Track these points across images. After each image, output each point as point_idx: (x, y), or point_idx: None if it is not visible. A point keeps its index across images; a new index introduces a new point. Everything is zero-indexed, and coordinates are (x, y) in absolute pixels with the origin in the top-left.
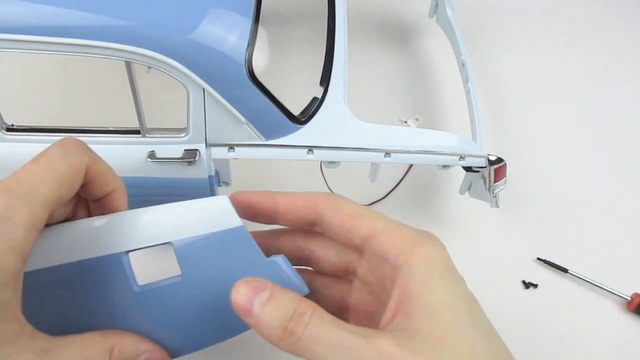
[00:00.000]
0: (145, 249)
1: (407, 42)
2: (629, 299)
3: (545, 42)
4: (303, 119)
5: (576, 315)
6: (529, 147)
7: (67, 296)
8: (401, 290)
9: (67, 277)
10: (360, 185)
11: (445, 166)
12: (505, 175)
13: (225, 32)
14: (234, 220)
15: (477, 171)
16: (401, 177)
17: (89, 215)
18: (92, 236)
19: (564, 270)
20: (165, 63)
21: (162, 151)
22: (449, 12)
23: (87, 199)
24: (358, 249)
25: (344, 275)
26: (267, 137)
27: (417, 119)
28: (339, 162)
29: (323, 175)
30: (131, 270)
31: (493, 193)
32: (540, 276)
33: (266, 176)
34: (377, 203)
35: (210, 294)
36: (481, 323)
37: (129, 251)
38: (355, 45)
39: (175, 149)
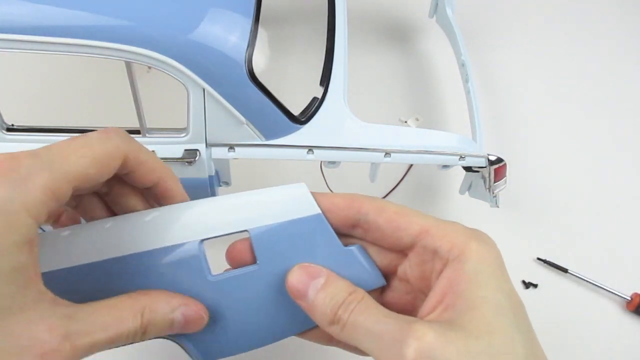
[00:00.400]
0: (219, 238)
1: (407, 42)
2: (629, 299)
3: (545, 42)
4: (303, 119)
5: (576, 315)
6: (529, 147)
7: (135, 287)
8: (447, 283)
9: (138, 267)
10: (360, 185)
11: (445, 166)
12: (505, 175)
13: (225, 32)
14: (313, 207)
15: (477, 171)
16: (401, 177)
17: (144, 207)
18: (164, 225)
19: (564, 270)
20: (165, 63)
21: (162, 151)
22: (449, 12)
23: (141, 190)
24: (402, 248)
25: (383, 271)
26: (267, 137)
27: (417, 119)
28: (339, 162)
29: (323, 175)
30: (206, 259)
31: (493, 193)
32: (540, 276)
33: (266, 176)
34: (203, 241)
35: (284, 284)
36: (523, 324)
37: (203, 239)
38: (355, 45)
39: (175, 149)
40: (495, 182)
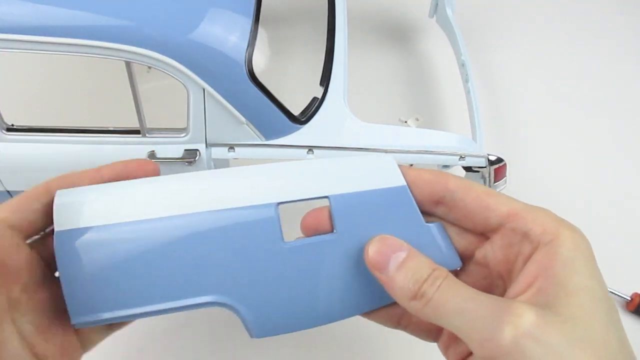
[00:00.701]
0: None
1: (407, 42)
2: (629, 299)
3: (545, 42)
4: (303, 119)
5: None
6: (529, 147)
7: (197, 248)
8: (539, 268)
9: (201, 227)
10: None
11: (445, 166)
12: (505, 175)
13: (225, 32)
14: (398, 179)
15: (477, 171)
16: None
17: None
18: (236, 184)
19: None
20: (165, 63)
21: (162, 151)
22: (449, 12)
23: None
24: (486, 230)
25: (460, 255)
26: (267, 137)
27: (417, 119)
28: None
29: None
30: (280, 223)
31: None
32: None
33: None
34: (280, 204)
35: (361, 255)
36: (615, 316)
37: (281, 203)
38: (355, 45)
39: (175, 149)
40: (495, 182)
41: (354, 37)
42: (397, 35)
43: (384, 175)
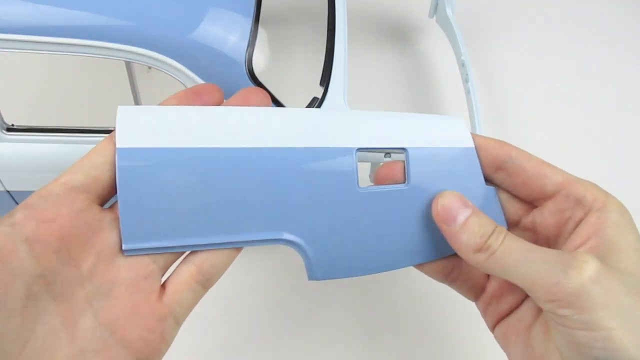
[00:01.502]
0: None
1: (407, 42)
2: None
3: (545, 42)
4: None
5: None
6: (529, 147)
7: (270, 183)
8: (592, 229)
9: (276, 163)
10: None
11: None
12: None
13: (225, 32)
14: (468, 140)
15: None
16: None
17: None
18: (315, 124)
19: None
20: (165, 63)
21: None
22: (449, 12)
23: None
24: (540, 196)
25: (509, 219)
26: None
27: None
28: None
29: None
30: (357, 169)
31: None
32: None
33: None
34: (358, 150)
35: (427, 208)
36: None
37: (360, 149)
38: (355, 45)
39: None
40: None
41: (354, 37)
42: (397, 35)
43: (456, 135)
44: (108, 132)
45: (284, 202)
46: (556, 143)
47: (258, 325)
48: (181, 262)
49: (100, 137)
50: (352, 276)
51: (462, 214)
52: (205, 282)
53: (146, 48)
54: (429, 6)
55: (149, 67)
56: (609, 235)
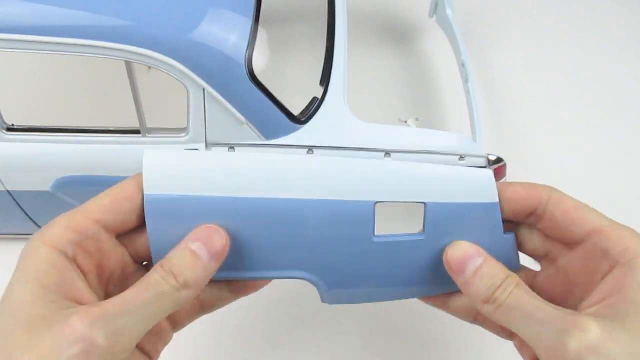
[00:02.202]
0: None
1: (407, 42)
2: None
3: (545, 42)
4: (303, 119)
5: None
6: (529, 147)
7: (291, 229)
8: (615, 285)
9: (293, 213)
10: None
11: None
12: (505, 175)
13: (225, 32)
14: (493, 196)
15: None
16: None
17: None
18: (336, 176)
19: None
20: (165, 63)
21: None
22: (449, 12)
23: None
24: (570, 242)
25: (539, 258)
26: (267, 137)
27: (417, 119)
28: None
29: None
30: (375, 220)
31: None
32: None
33: None
34: (377, 203)
35: (440, 253)
36: None
37: (378, 202)
38: (355, 45)
39: (175, 149)
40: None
41: (354, 37)
42: (397, 35)
43: (480, 189)
44: (108, 132)
45: (304, 247)
46: (556, 143)
47: (258, 326)
48: None
49: (100, 137)
50: (360, 303)
51: (472, 265)
52: (207, 310)
53: (146, 48)
54: (429, 6)
55: (149, 67)
56: (630, 293)
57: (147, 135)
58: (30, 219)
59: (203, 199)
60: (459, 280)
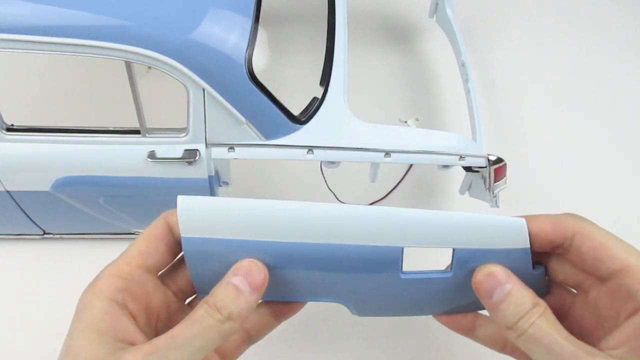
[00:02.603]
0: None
1: (407, 42)
2: None
3: (545, 42)
4: (303, 119)
5: None
6: (529, 147)
7: (325, 269)
8: (636, 329)
9: (329, 256)
10: (360, 185)
11: (445, 166)
12: (505, 175)
13: (225, 32)
14: (525, 242)
15: (477, 171)
16: (401, 177)
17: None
18: (369, 224)
19: None
20: (165, 63)
21: (162, 151)
22: (449, 12)
23: None
24: (596, 277)
25: (572, 287)
26: (267, 137)
27: (417, 119)
28: (339, 162)
29: (323, 175)
30: (402, 260)
31: (493, 193)
32: None
33: (266, 176)
34: (377, 203)
35: (467, 286)
36: None
37: (406, 247)
38: (355, 45)
39: (175, 149)
40: (495, 182)
41: (354, 37)
42: (397, 35)
43: (512, 236)
44: (108, 132)
45: (338, 281)
46: (556, 143)
47: None
48: None
49: (100, 137)
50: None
51: (500, 291)
52: (253, 340)
53: (146, 48)
54: (429, 6)
55: (149, 67)
56: None
57: (147, 135)
58: (30, 219)
59: (228, 240)
60: (486, 302)
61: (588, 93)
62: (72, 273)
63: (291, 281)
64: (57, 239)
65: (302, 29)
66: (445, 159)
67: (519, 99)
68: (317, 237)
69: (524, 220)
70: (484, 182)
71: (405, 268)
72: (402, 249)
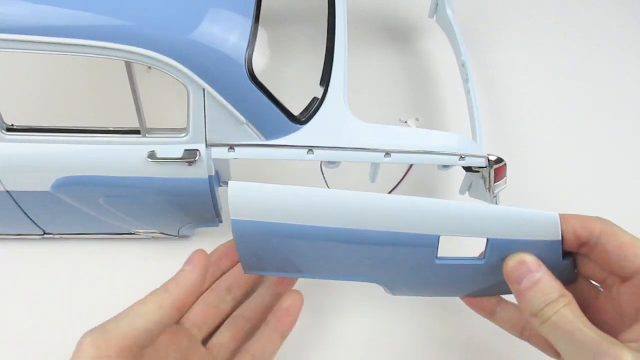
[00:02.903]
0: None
1: (407, 42)
2: None
3: (545, 42)
4: (303, 119)
5: None
6: (529, 147)
7: (366, 252)
8: None
9: (373, 241)
10: (360, 185)
11: (445, 166)
12: (505, 175)
13: (225, 32)
14: (557, 235)
15: (477, 171)
16: (401, 177)
17: None
18: (410, 213)
19: None
20: (165, 63)
21: (162, 151)
22: (449, 12)
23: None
24: (620, 275)
25: (598, 282)
26: (267, 137)
27: (417, 119)
28: (339, 162)
29: (323, 175)
30: (438, 247)
31: (493, 193)
32: None
33: (266, 176)
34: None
35: (498, 272)
36: None
37: (442, 235)
38: (355, 45)
39: (175, 149)
40: (495, 182)
41: (354, 37)
42: (397, 35)
43: (545, 230)
44: (108, 132)
45: (378, 263)
46: (556, 143)
47: None
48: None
49: (100, 137)
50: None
51: (529, 278)
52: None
53: (146, 48)
54: (429, 6)
55: (149, 67)
56: None
57: (147, 135)
58: (30, 219)
59: (274, 224)
60: (514, 288)
61: (588, 93)
62: (72, 273)
63: (332, 262)
64: (57, 239)
65: (302, 29)
66: (445, 159)
67: (519, 99)
68: (360, 223)
69: (557, 214)
70: (484, 182)
71: (439, 254)
72: (439, 237)
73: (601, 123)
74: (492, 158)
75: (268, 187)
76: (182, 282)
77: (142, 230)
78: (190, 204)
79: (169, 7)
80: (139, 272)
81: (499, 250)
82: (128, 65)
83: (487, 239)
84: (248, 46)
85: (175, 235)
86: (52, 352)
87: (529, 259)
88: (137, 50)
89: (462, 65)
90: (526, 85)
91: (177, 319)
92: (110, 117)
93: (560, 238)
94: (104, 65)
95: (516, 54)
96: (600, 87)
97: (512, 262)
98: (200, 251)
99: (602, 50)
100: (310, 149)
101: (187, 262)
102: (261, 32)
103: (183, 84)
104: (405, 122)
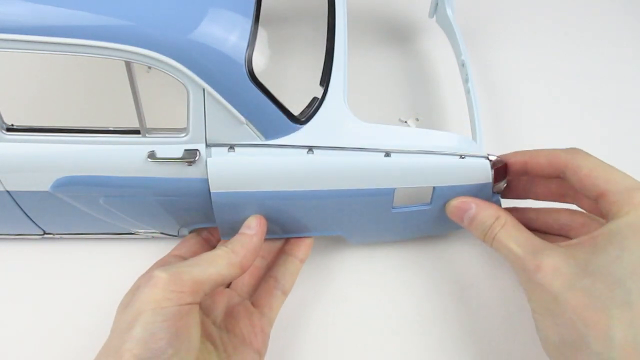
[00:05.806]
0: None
1: (407, 42)
2: None
3: (545, 42)
4: (303, 119)
5: None
6: (529, 147)
7: (329, 208)
8: (600, 232)
9: (335, 199)
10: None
11: None
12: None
13: (225, 32)
14: (487, 177)
15: None
16: None
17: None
18: (364, 171)
19: None
20: (165, 63)
21: (162, 151)
22: (449, 12)
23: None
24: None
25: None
26: (267, 137)
27: (417, 119)
28: None
29: None
30: (393, 198)
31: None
32: None
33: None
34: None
35: (442, 213)
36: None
37: (397, 188)
38: (355, 45)
39: (175, 149)
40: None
41: (354, 37)
42: (397, 35)
43: (479, 174)
44: (108, 132)
45: (340, 216)
46: (556, 143)
47: None
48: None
49: (100, 137)
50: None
51: (467, 216)
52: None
53: (146, 48)
54: (429, 6)
55: (149, 67)
56: (598, 243)
57: (146, 135)
58: (30, 219)
59: (255, 192)
60: (462, 225)
61: (589, 93)
62: (72, 273)
63: (300, 220)
64: (57, 239)
65: (302, 29)
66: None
67: (519, 99)
68: (324, 184)
69: (487, 161)
70: None
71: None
72: (394, 190)
73: (601, 123)
74: (492, 158)
75: (244, 160)
76: (246, 245)
77: (142, 230)
78: (190, 204)
79: (169, 7)
80: (139, 272)
81: (443, 195)
82: (128, 65)
83: (433, 187)
84: (248, 46)
85: (175, 235)
86: (52, 352)
87: (462, 199)
88: (137, 50)
89: (462, 65)
90: (526, 85)
91: (239, 276)
92: (110, 117)
93: (491, 181)
94: (104, 65)
95: (516, 54)
96: (600, 87)
97: (450, 208)
98: (259, 216)
99: (602, 50)
100: (310, 148)
101: (246, 227)
102: (261, 32)
103: (183, 84)
104: (405, 122)
